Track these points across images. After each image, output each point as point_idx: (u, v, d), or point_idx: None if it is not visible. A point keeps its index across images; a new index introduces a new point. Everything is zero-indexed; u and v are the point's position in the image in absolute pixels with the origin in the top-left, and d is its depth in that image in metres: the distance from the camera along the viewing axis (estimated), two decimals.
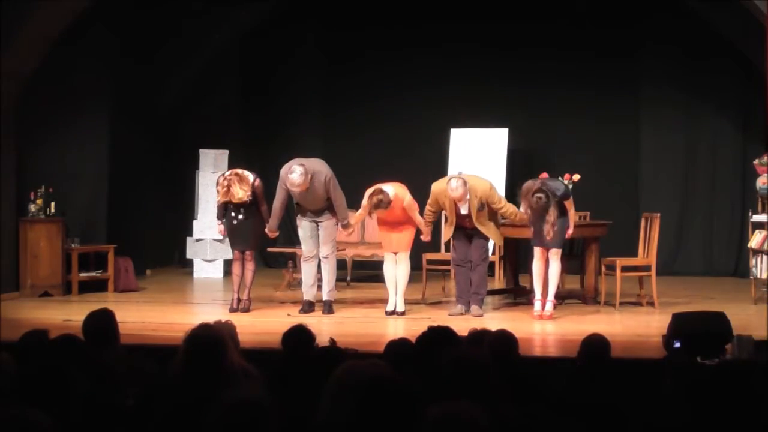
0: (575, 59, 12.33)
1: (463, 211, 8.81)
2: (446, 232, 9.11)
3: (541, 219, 8.63)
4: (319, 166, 8.90)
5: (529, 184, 8.70)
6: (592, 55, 12.34)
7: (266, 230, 9.11)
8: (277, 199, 9.01)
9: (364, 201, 8.84)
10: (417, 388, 3.36)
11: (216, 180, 9.41)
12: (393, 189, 8.79)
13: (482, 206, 8.74)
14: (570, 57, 12.32)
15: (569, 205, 8.88)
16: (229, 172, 9.23)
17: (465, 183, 8.66)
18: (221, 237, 9.53)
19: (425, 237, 9.08)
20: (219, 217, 9.33)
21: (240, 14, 11.91)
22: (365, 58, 12.81)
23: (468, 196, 8.69)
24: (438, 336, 4.50)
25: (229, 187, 8.97)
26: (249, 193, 8.97)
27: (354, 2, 12.53)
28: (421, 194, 9.16)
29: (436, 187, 8.93)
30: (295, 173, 8.64)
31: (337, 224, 9.08)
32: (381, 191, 8.69)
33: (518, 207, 8.80)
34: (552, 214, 8.56)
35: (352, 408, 2.61)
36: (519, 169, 11.79)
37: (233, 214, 9.13)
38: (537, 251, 8.87)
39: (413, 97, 12.38)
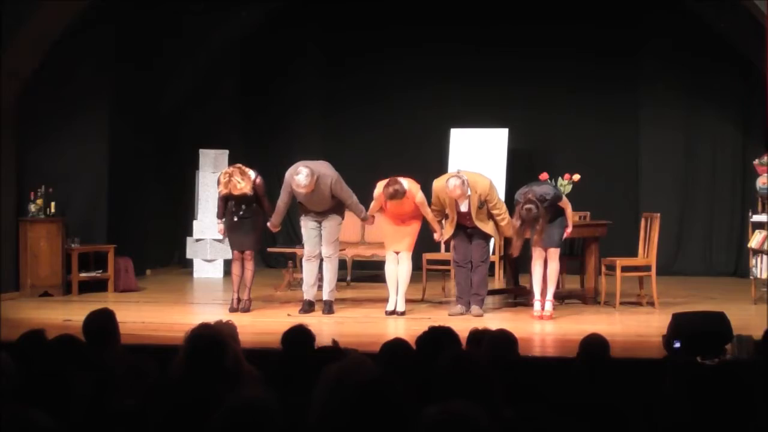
0: (575, 59, 12.35)
1: (463, 208, 8.81)
2: (447, 231, 9.09)
3: (532, 228, 8.65)
4: (324, 168, 8.85)
5: (519, 195, 8.68)
6: (592, 55, 12.35)
7: (269, 224, 9.07)
8: (281, 199, 8.99)
9: (378, 191, 8.83)
10: (411, 389, 3.36)
11: (217, 178, 9.39)
12: (407, 183, 8.80)
13: (482, 204, 8.74)
14: (570, 57, 12.34)
15: (564, 204, 8.87)
16: (231, 167, 9.23)
17: (464, 182, 8.63)
18: (221, 236, 9.49)
19: (438, 236, 9.03)
20: (219, 216, 9.31)
21: (240, 15, 11.90)
22: (365, 59, 12.81)
23: (468, 193, 8.69)
24: (439, 336, 4.49)
25: (230, 177, 8.92)
26: (250, 186, 8.93)
27: (354, 4, 12.53)
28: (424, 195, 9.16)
29: (437, 184, 8.92)
30: (301, 174, 8.60)
31: (341, 224, 9.10)
32: (396, 181, 8.71)
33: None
34: (541, 224, 8.56)
35: (342, 409, 2.60)
36: (519, 169, 11.79)
37: (234, 210, 9.11)
38: (536, 252, 8.87)
39: (413, 98, 12.39)
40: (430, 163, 11.94)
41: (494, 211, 8.76)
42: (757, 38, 9.08)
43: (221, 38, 12.17)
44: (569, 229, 8.84)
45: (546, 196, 8.64)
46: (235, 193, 8.95)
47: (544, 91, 12.37)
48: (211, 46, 12.20)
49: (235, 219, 9.11)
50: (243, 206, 9.07)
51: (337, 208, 9.03)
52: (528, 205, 8.50)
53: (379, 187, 8.85)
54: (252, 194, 9.02)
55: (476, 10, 12.42)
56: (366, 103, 12.58)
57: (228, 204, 9.14)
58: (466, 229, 8.90)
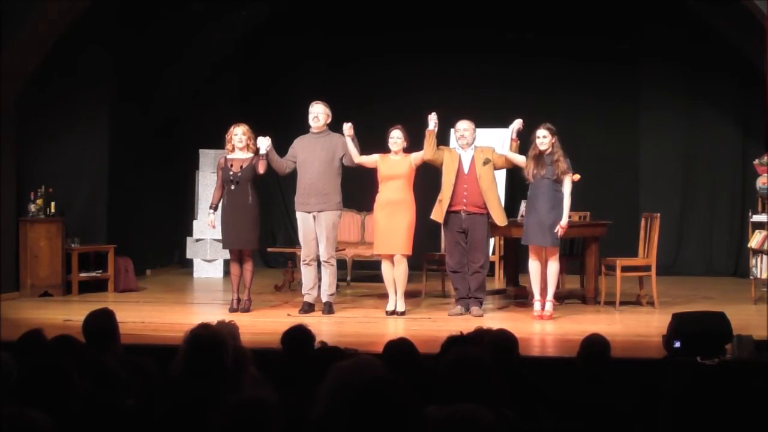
0: (576, 63, 12.35)
1: (466, 165, 8.86)
2: (436, 212, 8.98)
3: (537, 161, 8.79)
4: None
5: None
6: (592, 53, 12.35)
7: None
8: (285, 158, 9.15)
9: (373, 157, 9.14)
10: (414, 388, 3.36)
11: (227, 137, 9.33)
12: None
13: (488, 160, 8.94)
14: (571, 61, 12.34)
15: (567, 183, 8.76)
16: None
17: (474, 127, 9.10)
18: (212, 229, 9.44)
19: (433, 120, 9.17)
20: (213, 206, 9.20)
21: (240, 15, 11.90)
22: (365, 60, 12.81)
23: (474, 145, 9.03)
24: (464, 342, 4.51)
25: (236, 134, 9.15)
26: (254, 146, 9.08)
27: (355, 7, 12.53)
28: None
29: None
30: (319, 103, 9.19)
31: (336, 224, 9.06)
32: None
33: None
34: (548, 159, 8.74)
35: (347, 408, 2.60)
36: (519, 169, 11.75)
37: (230, 181, 9.03)
38: (531, 250, 8.86)
39: (413, 99, 12.34)
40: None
41: (498, 153, 9.05)
42: (758, 38, 9.07)
43: (222, 38, 12.17)
44: (562, 223, 8.65)
45: (564, 154, 8.79)
46: (240, 145, 9.11)
47: (545, 93, 12.34)
48: (212, 46, 12.19)
49: (233, 188, 9.02)
50: (238, 178, 8.99)
51: (334, 192, 8.97)
52: (545, 129, 8.84)
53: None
54: (252, 161, 9.01)
55: (477, 17, 12.42)
56: (366, 104, 12.55)
57: (223, 193, 9.08)
58: (461, 231, 8.88)
